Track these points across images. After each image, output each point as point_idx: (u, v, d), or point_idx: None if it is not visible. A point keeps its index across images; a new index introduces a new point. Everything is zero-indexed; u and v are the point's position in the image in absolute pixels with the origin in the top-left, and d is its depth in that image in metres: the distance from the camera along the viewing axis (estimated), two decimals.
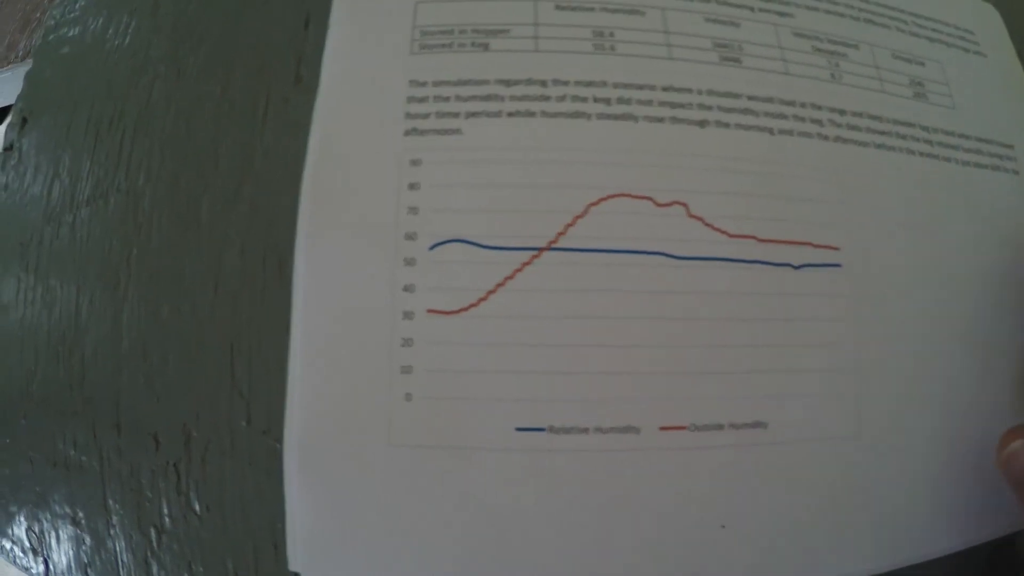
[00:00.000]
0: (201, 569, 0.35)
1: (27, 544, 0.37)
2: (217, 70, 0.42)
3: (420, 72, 0.36)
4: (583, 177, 0.34)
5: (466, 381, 0.32)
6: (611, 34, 0.37)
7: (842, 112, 0.37)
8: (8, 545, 0.38)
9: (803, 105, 0.37)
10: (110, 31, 0.46)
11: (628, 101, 0.35)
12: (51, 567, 0.37)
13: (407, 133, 0.34)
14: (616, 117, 0.35)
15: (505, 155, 0.34)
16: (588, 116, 0.35)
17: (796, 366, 0.33)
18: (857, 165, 0.36)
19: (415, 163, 0.34)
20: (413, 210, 0.33)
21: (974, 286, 0.37)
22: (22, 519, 0.38)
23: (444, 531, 0.31)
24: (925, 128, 0.38)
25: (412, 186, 0.33)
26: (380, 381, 0.32)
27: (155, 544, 0.36)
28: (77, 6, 0.48)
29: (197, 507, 0.36)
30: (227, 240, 0.38)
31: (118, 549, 0.36)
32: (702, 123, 0.35)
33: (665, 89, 0.36)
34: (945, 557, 0.34)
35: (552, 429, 0.31)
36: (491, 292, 0.32)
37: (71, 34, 0.47)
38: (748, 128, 0.36)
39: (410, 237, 0.33)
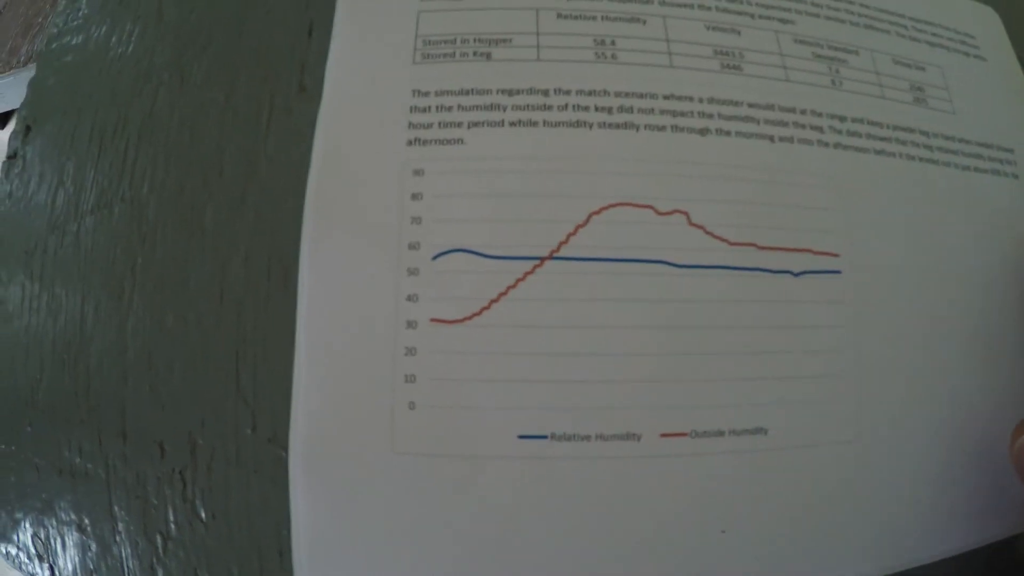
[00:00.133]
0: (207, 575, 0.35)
1: (33, 550, 0.37)
2: (221, 78, 0.42)
3: (423, 81, 0.36)
4: (585, 186, 0.34)
5: (469, 390, 0.32)
6: (612, 43, 0.37)
7: (842, 118, 0.37)
8: (14, 551, 0.38)
9: (804, 112, 0.37)
10: (113, 39, 0.46)
11: (630, 110, 0.35)
12: (56, 573, 0.37)
13: (410, 143, 0.34)
14: (617, 126, 0.35)
15: (507, 164, 0.34)
16: (590, 125, 0.35)
17: (796, 372, 0.33)
18: (857, 171, 0.36)
19: (418, 173, 0.34)
20: (416, 220, 0.33)
21: (975, 291, 0.37)
22: (28, 525, 0.38)
23: (448, 539, 0.31)
24: (925, 133, 0.38)
25: (415, 196, 0.34)
26: (384, 389, 0.32)
27: (161, 551, 0.36)
28: (80, 14, 0.48)
29: (203, 514, 0.36)
30: (231, 248, 0.39)
31: (124, 555, 0.36)
32: (703, 131, 0.35)
33: (666, 97, 0.36)
34: (943, 560, 0.34)
35: (554, 437, 0.31)
36: (494, 301, 0.32)
37: (74, 42, 0.47)
38: (749, 136, 0.36)
39: (413, 247, 0.33)
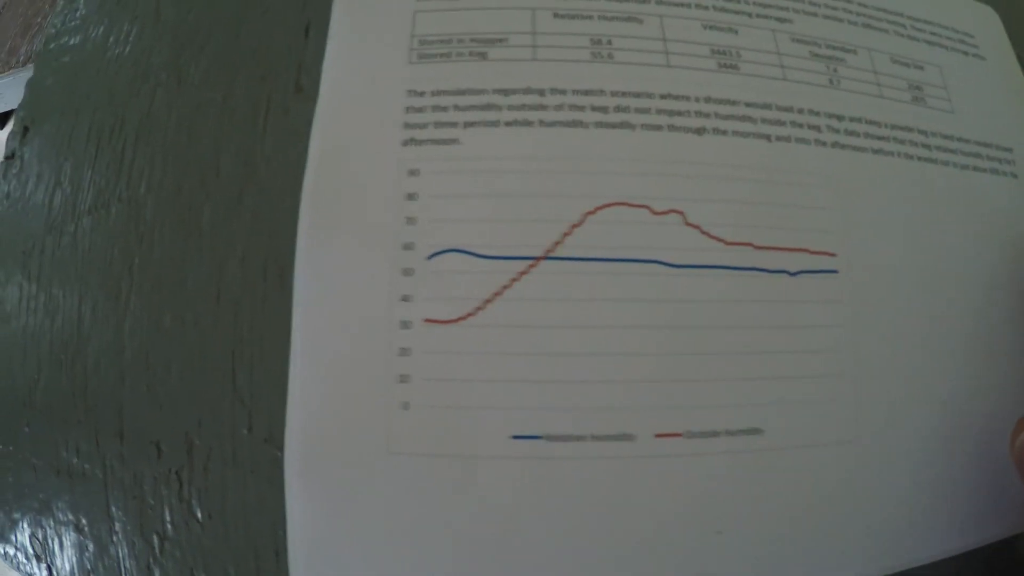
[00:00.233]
0: None
1: (30, 550, 0.37)
2: (218, 78, 0.42)
3: (418, 82, 0.36)
4: (580, 186, 0.34)
5: (463, 390, 0.32)
6: (609, 42, 0.37)
7: (840, 118, 0.37)
8: (12, 552, 0.38)
9: (801, 111, 0.37)
10: (111, 39, 0.46)
11: (626, 109, 0.35)
12: (54, 573, 0.37)
13: (405, 143, 0.34)
14: (613, 125, 0.35)
15: (502, 165, 0.34)
16: (585, 125, 0.35)
17: (792, 372, 0.33)
18: (854, 171, 0.36)
19: (413, 173, 0.34)
20: (411, 220, 0.33)
21: (974, 290, 0.37)
22: (25, 526, 0.38)
23: (443, 539, 0.31)
24: (923, 132, 0.38)
25: (410, 196, 0.34)
26: (378, 390, 0.32)
27: (157, 551, 0.36)
28: (78, 14, 0.48)
29: (199, 514, 0.36)
30: (228, 249, 0.38)
31: (121, 556, 0.36)
32: (699, 131, 0.35)
33: (663, 97, 0.36)
34: (944, 560, 0.34)
35: (548, 437, 0.31)
36: (488, 301, 0.32)
37: (72, 42, 0.47)
38: (746, 135, 0.36)
39: (408, 247, 0.33)
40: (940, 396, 0.35)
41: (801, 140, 0.36)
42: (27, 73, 0.48)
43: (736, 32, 0.38)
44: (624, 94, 0.36)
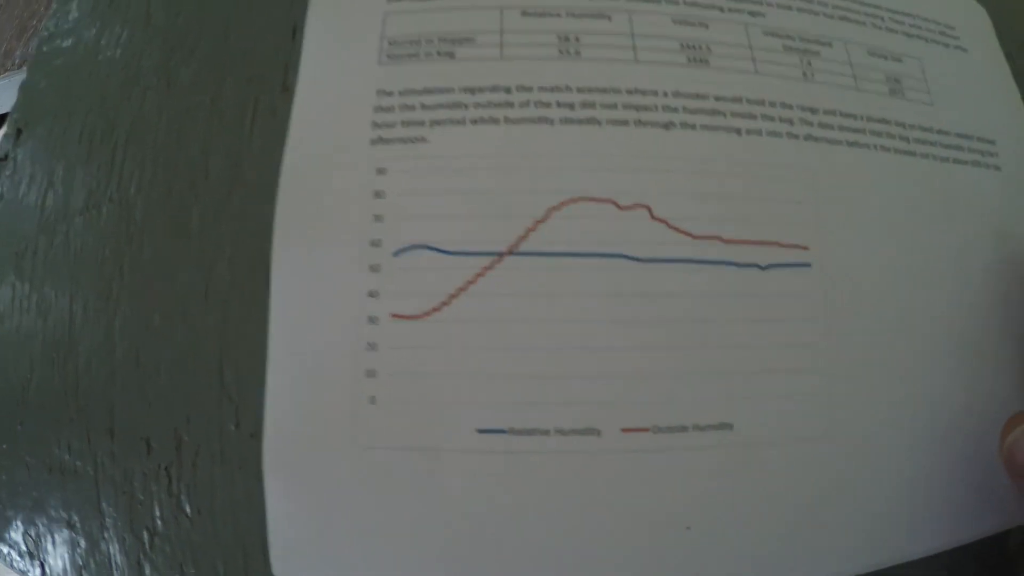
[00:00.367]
0: (193, 571, 0.36)
1: (24, 548, 0.38)
2: (207, 80, 0.43)
3: (387, 82, 0.36)
4: (545, 182, 0.34)
5: (428, 384, 0.32)
6: (577, 39, 0.37)
7: (814, 110, 0.37)
8: (5, 550, 0.38)
9: (772, 104, 0.36)
10: (103, 42, 0.46)
11: (592, 105, 0.35)
12: (47, 570, 0.37)
13: (373, 142, 0.35)
14: (580, 122, 0.35)
15: (468, 162, 0.34)
16: (551, 121, 0.35)
17: (763, 367, 0.33)
18: (828, 163, 0.36)
19: (381, 172, 0.34)
20: (379, 218, 0.34)
21: (953, 283, 0.36)
22: (19, 524, 0.38)
23: (409, 532, 0.32)
24: (901, 124, 0.38)
25: (377, 194, 0.34)
26: (346, 384, 0.32)
27: (147, 546, 0.36)
28: (71, 17, 0.49)
29: (188, 510, 0.36)
30: (217, 248, 0.39)
31: (112, 551, 0.36)
32: (667, 125, 0.35)
33: (630, 92, 0.36)
34: (934, 556, 0.34)
35: (513, 431, 0.32)
36: (453, 297, 0.33)
37: (65, 45, 0.48)
38: (715, 129, 0.36)
39: (375, 244, 0.33)
40: (920, 392, 0.35)
41: (773, 133, 0.36)
42: (23, 76, 0.48)
43: (707, 27, 0.38)
44: (591, 90, 0.36)
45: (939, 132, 0.39)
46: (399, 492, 0.32)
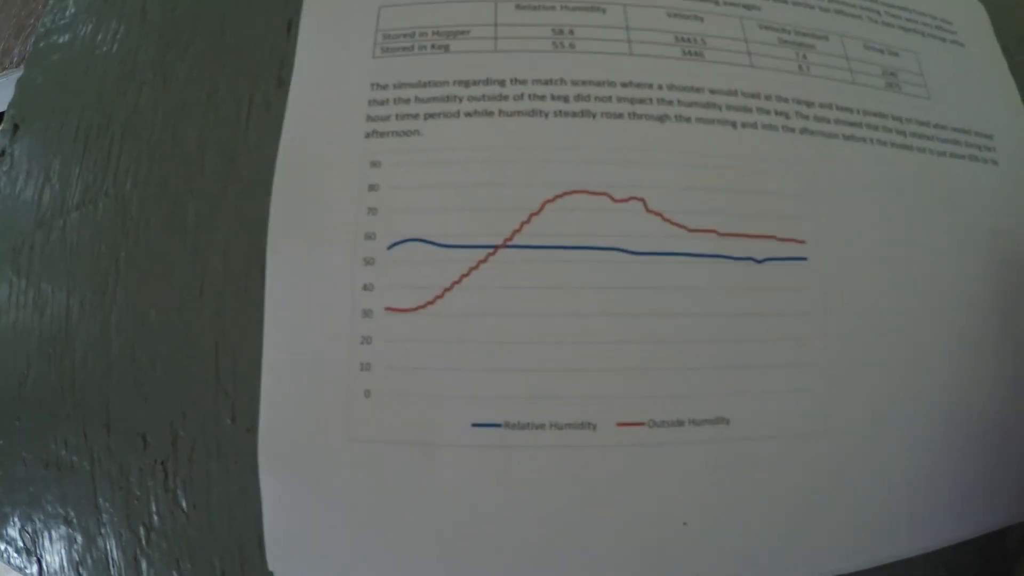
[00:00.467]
0: (189, 566, 0.36)
1: (21, 544, 0.38)
2: (203, 75, 0.43)
3: (381, 75, 0.36)
4: (539, 175, 0.34)
5: (423, 377, 0.32)
6: (571, 32, 0.37)
7: (809, 104, 0.37)
8: (3, 546, 0.38)
9: (768, 97, 0.36)
10: (99, 37, 0.46)
11: (586, 98, 0.35)
12: (44, 566, 0.37)
13: (368, 135, 0.35)
14: (574, 114, 0.35)
15: (463, 155, 0.35)
16: (545, 114, 0.35)
17: (759, 361, 0.33)
18: (824, 157, 0.36)
19: (375, 164, 0.34)
20: (372, 211, 0.34)
21: (949, 277, 0.36)
22: (16, 520, 0.38)
23: (406, 526, 0.32)
24: (898, 118, 0.38)
25: (372, 187, 0.34)
26: (340, 378, 0.32)
27: (144, 542, 0.36)
28: (67, 13, 0.49)
29: (184, 505, 0.36)
30: (212, 243, 0.39)
31: (108, 547, 0.36)
32: (662, 118, 0.35)
33: (624, 85, 0.36)
34: (934, 552, 0.34)
35: (508, 425, 0.32)
36: (447, 290, 0.33)
37: (61, 41, 0.48)
38: (710, 122, 0.36)
39: (369, 237, 0.33)
40: (917, 387, 0.35)
41: (768, 126, 0.36)
42: (20, 74, 0.48)
43: (702, 19, 0.38)
44: (585, 83, 0.36)
45: (936, 126, 0.39)
46: (394, 486, 0.32)
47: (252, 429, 0.35)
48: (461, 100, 0.35)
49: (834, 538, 0.33)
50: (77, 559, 0.37)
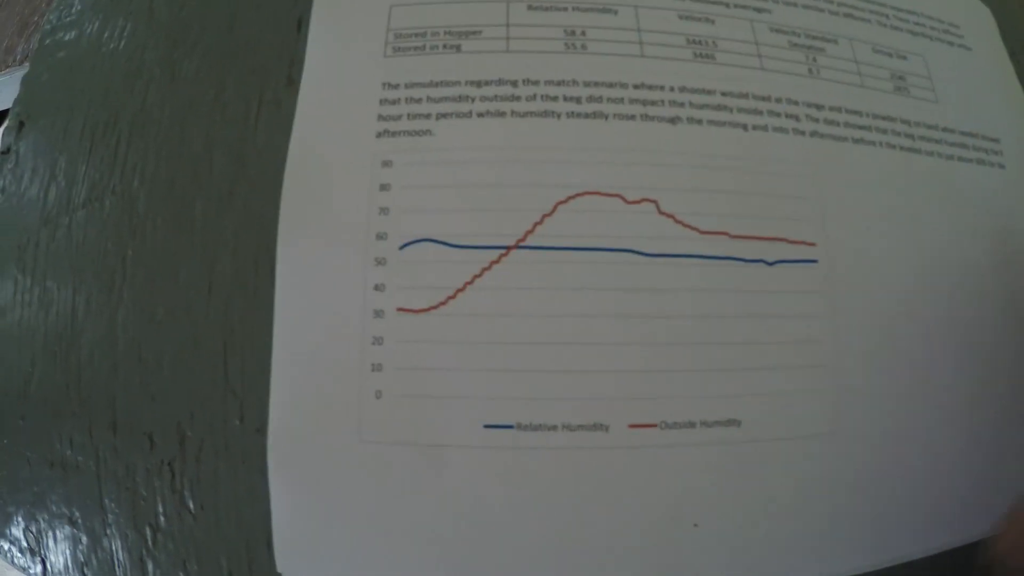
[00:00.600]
0: (196, 567, 0.35)
1: (25, 544, 0.38)
2: (211, 73, 0.43)
3: (393, 74, 0.36)
4: (552, 176, 0.34)
5: (435, 379, 0.32)
6: (583, 33, 0.37)
7: (819, 107, 0.37)
8: (6, 546, 0.38)
9: (779, 100, 0.37)
10: (106, 35, 0.46)
11: (599, 99, 0.35)
12: (48, 567, 0.37)
13: (379, 135, 0.35)
14: (586, 116, 0.35)
15: (474, 155, 0.35)
16: (558, 115, 0.35)
17: (770, 363, 0.33)
18: (835, 160, 0.36)
19: (387, 164, 0.34)
20: (384, 211, 0.34)
21: (958, 280, 0.36)
22: (20, 519, 0.38)
23: (416, 527, 0.31)
24: (906, 122, 0.38)
25: (383, 187, 0.34)
26: (351, 379, 0.32)
27: (150, 543, 0.36)
28: (73, 10, 0.48)
29: (191, 505, 0.36)
30: (220, 241, 0.39)
31: (114, 548, 0.36)
32: (673, 120, 0.35)
33: (636, 87, 0.36)
34: (938, 555, 0.34)
35: (520, 426, 0.32)
36: (459, 291, 0.33)
37: (67, 38, 0.47)
38: (721, 124, 0.36)
39: (381, 237, 0.33)
40: (925, 390, 0.35)
41: (779, 129, 0.36)
42: (24, 71, 0.48)
43: (713, 22, 0.38)
44: (597, 84, 0.36)
45: (944, 130, 0.39)
46: (405, 487, 0.32)
47: (261, 429, 0.35)
48: (473, 100, 0.35)
49: (845, 539, 0.33)
50: (82, 559, 0.37)
